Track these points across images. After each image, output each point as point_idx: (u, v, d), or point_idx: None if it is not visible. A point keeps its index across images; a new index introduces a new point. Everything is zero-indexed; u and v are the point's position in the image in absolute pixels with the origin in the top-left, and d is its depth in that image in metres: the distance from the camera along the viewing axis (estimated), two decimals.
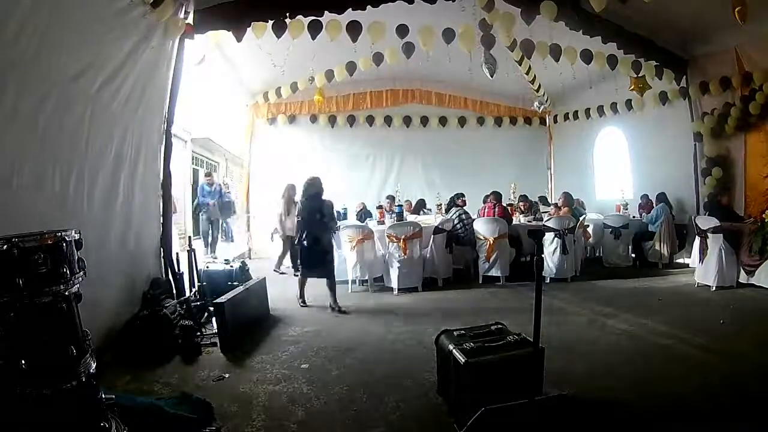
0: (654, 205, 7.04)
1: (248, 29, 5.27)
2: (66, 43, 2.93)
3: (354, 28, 5.57)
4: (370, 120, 9.22)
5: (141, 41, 3.91)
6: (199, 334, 3.79)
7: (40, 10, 2.65)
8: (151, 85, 4.22)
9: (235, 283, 4.53)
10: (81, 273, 1.74)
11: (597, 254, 7.60)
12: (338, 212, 7.77)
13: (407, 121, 9.36)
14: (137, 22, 3.83)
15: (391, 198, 7.18)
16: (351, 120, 9.15)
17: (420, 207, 8.19)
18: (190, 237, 5.35)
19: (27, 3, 2.54)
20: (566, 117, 9.59)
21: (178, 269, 4.66)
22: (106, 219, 3.58)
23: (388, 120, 9.26)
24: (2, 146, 2.50)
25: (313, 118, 9.13)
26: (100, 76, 3.40)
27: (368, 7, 5.28)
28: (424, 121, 9.50)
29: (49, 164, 2.89)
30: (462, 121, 9.67)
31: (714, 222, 5.37)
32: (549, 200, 8.81)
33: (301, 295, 5.05)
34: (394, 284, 5.64)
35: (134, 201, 4.03)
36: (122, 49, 3.66)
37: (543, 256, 5.74)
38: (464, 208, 6.51)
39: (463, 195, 6.73)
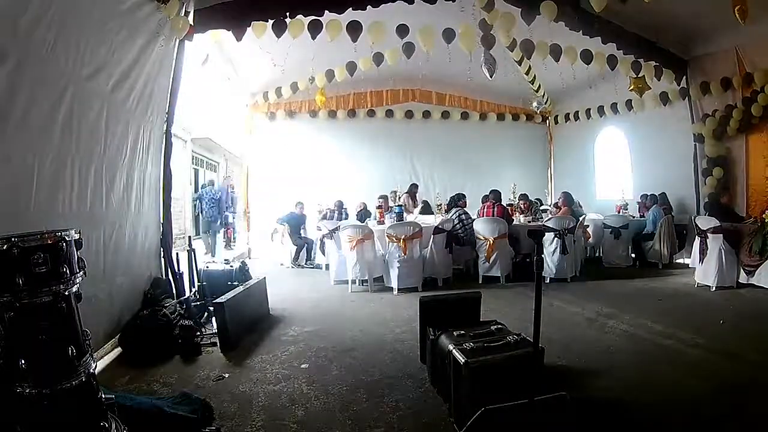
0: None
1: (248, 29, 5.27)
2: (81, 39, 2.94)
3: (354, 28, 5.56)
4: (371, 114, 9.23)
5: (151, 39, 3.93)
6: (199, 334, 3.78)
7: (54, 5, 2.64)
8: (159, 85, 4.25)
9: (235, 283, 4.53)
10: (81, 273, 1.74)
11: (597, 254, 7.60)
12: (339, 212, 7.83)
13: (409, 116, 9.36)
14: (147, 20, 3.85)
15: (385, 198, 7.19)
16: (351, 114, 9.15)
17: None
18: (190, 237, 5.34)
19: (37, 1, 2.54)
20: (567, 117, 9.61)
21: (178, 269, 4.67)
22: (121, 218, 3.62)
23: (389, 114, 9.27)
24: (23, 144, 2.50)
25: (313, 114, 9.12)
26: (114, 74, 3.42)
27: (368, 7, 5.28)
28: (425, 117, 9.50)
29: (69, 163, 2.91)
30: (462, 121, 9.68)
31: (714, 222, 5.36)
32: (547, 200, 8.81)
33: None
34: (394, 284, 5.63)
35: (143, 201, 4.05)
36: (134, 47, 3.68)
37: (543, 256, 5.74)
38: (464, 208, 6.51)
39: (464, 196, 6.73)
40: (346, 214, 7.93)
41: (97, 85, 3.21)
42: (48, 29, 2.61)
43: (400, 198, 7.51)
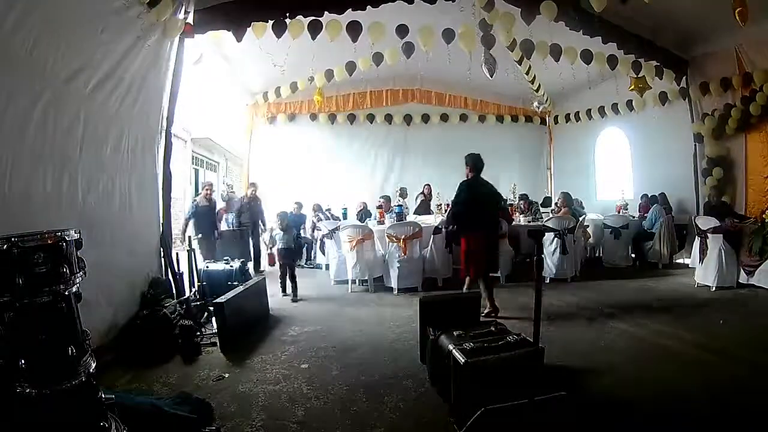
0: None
1: (248, 29, 5.27)
2: (61, 42, 2.93)
3: (354, 28, 5.57)
4: (371, 119, 9.24)
5: (137, 41, 3.90)
6: (199, 334, 3.79)
7: (36, 9, 2.65)
8: (148, 85, 4.21)
9: (235, 283, 4.53)
10: (81, 273, 1.73)
11: (597, 254, 7.60)
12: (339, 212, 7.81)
13: (407, 120, 9.37)
14: (133, 22, 3.83)
15: (387, 198, 7.20)
16: (351, 118, 9.16)
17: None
18: (190, 237, 5.34)
19: (23, 0, 2.54)
20: (567, 117, 9.61)
21: (178, 269, 4.67)
22: (103, 219, 3.58)
23: (388, 119, 9.28)
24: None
25: (313, 117, 9.13)
26: (95, 76, 3.40)
27: (368, 7, 5.29)
28: (425, 119, 9.51)
29: (41, 165, 2.89)
30: (462, 121, 9.68)
31: (714, 222, 5.36)
32: (551, 201, 8.81)
33: None
34: (394, 284, 5.63)
35: (133, 200, 4.03)
36: (117, 48, 3.66)
37: (543, 256, 5.74)
38: None
39: None
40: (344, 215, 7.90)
41: (76, 86, 3.20)
42: (30, 29, 2.61)
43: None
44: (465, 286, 4.50)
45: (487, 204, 4.42)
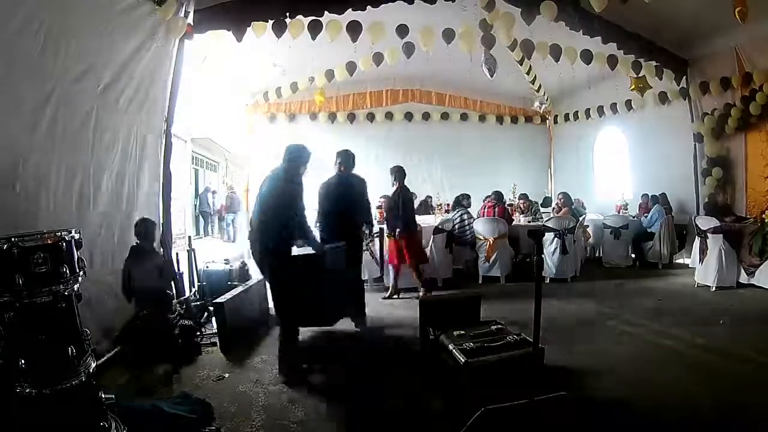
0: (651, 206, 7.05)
1: (248, 29, 5.27)
2: (71, 41, 2.94)
3: (354, 28, 5.56)
4: (371, 118, 9.23)
5: (146, 40, 3.92)
6: (199, 334, 3.79)
7: (45, 7, 2.65)
8: (154, 85, 4.23)
9: (235, 283, 4.53)
10: (81, 272, 1.74)
11: (597, 254, 7.60)
12: None
13: (408, 117, 9.35)
14: (142, 21, 3.84)
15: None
16: (351, 117, 9.14)
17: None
18: (190, 237, 5.34)
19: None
20: (566, 117, 9.61)
21: (178, 269, 4.66)
22: (111, 218, 3.60)
23: (389, 116, 9.27)
24: (5, 145, 2.50)
25: (313, 116, 9.13)
26: (106, 76, 3.42)
27: (368, 7, 5.28)
28: (426, 116, 9.49)
29: (53, 164, 2.90)
30: (462, 122, 9.67)
31: (714, 222, 5.36)
32: (551, 201, 8.81)
33: None
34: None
35: (137, 200, 4.03)
36: (127, 48, 3.67)
37: (543, 256, 5.74)
38: (468, 209, 6.51)
39: (468, 197, 6.72)
40: None
41: (87, 85, 3.20)
42: (39, 27, 2.62)
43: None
44: None
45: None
